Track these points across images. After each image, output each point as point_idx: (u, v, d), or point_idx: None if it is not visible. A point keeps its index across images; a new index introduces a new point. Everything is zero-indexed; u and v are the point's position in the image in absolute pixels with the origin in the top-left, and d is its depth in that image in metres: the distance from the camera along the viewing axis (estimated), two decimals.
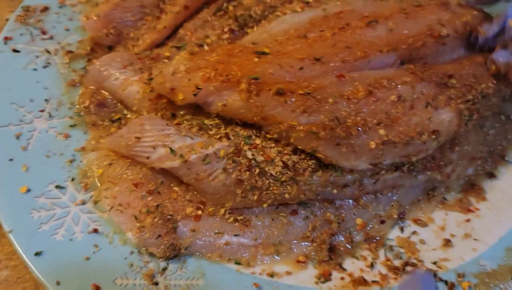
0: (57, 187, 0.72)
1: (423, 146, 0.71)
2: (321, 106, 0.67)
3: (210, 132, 0.72)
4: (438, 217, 0.76)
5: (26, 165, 0.72)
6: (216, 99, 0.70)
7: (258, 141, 0.70)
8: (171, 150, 0.67)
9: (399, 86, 0.72)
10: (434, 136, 0.72)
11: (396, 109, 0.70)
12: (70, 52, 0.88)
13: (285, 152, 0.69)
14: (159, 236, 0.66)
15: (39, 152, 0.75)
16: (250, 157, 0.68)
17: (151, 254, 0.66)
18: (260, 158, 0.68)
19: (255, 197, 0.69)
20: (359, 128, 0.67)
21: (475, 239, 0.73)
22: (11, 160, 0.73)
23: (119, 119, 0.80)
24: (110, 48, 0.89)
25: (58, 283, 0.62)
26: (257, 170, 0.68)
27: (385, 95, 0.70)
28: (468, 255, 0.71)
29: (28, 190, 0.70)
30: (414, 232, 0.74)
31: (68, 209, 0.70)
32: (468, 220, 0.75)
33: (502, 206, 0.77)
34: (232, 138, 0.70)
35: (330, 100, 0.68)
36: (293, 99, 0.67)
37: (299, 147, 0.69)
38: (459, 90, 0.75)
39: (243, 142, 0.70)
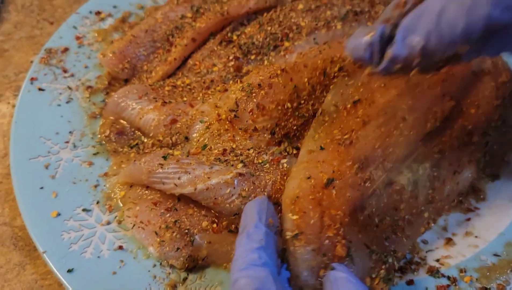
0: (84, 210, 0.78)
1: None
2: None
3: (227, 157, 0.77)
4: (440, 218, 0.80)
5: (55, 192, 0.79)
6: None
7: (271, 168, 0.76)
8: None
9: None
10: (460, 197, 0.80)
11: (433, 191, 0.76)
12: (90, 87, 0.95)
13: None
14: (178, 249, 0.72)
15: (66, 180, 0.82)
16: (264, 185, 0.73)
17: (172, 266, 0.72)
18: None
19: None
20: (413, 221, 0.74)
21: (476, 237, 0.77)
22: (41, 188, 0.80)
23: (137, 144, 0.87)
24: (126, 81, 0.97)
25: None
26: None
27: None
28: (469, 251, 0.75)
29: (58, 214, 0.77)
30: None
31: (95, 230, 0.76)
32: (468, 219, 0.79)
33: (501, 204, 0.81)
34: (247, 163, 0.76)
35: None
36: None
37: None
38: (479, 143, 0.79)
39: (258, 168, 0.75)
